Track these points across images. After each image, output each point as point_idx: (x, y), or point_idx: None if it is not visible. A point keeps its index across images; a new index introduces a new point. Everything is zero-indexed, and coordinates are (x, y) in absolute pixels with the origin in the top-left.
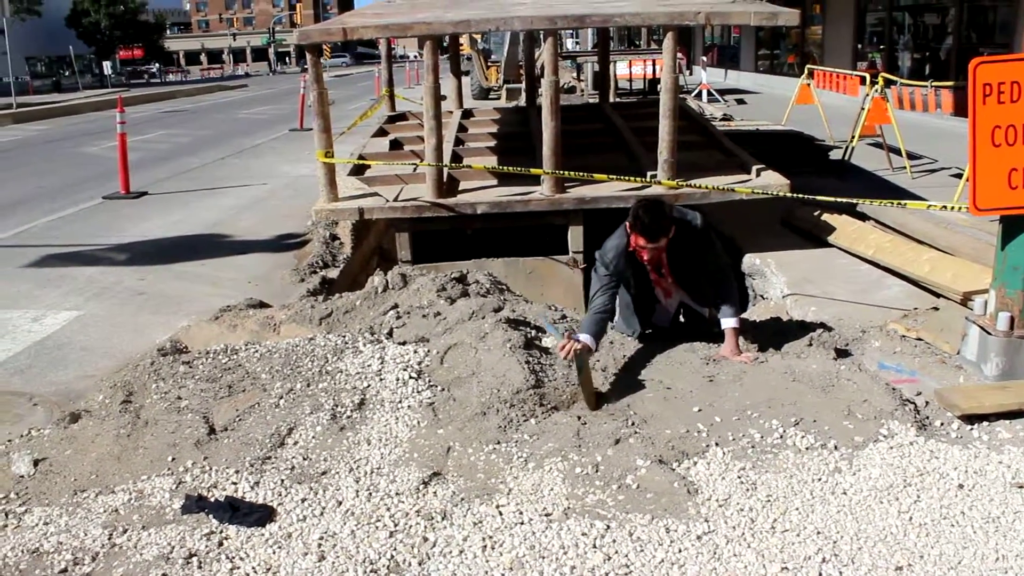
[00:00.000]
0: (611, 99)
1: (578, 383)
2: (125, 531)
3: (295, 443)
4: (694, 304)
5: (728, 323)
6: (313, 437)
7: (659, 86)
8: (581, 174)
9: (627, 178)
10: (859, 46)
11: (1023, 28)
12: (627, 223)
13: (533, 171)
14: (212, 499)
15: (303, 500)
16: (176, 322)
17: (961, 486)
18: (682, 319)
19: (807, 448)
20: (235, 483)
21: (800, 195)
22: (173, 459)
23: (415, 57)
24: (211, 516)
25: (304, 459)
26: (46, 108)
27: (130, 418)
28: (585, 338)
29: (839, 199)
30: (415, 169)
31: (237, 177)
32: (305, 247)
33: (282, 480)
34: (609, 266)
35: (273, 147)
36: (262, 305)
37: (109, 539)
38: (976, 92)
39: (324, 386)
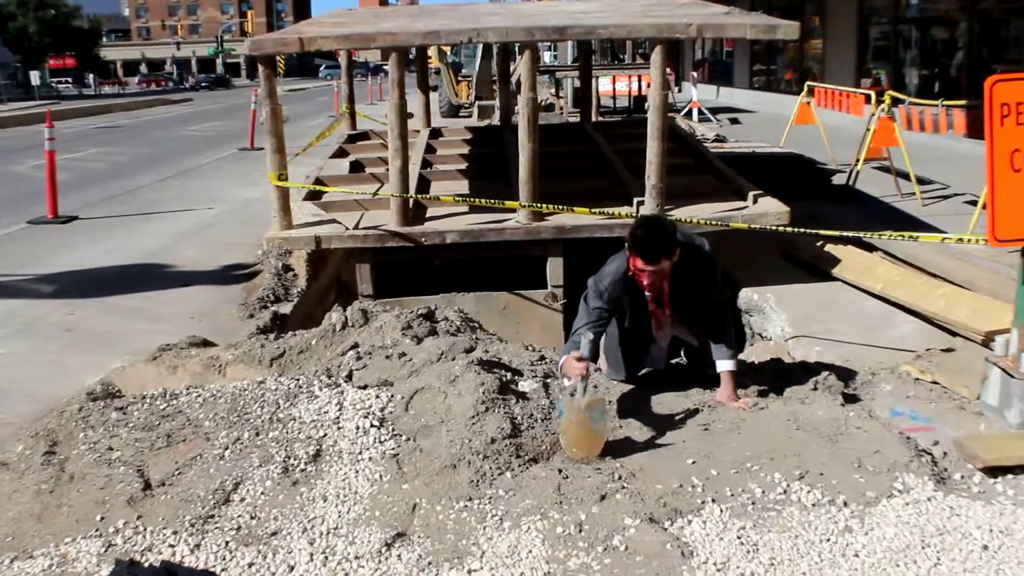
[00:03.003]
0: (593, 118)
1: (559, 430)
2: None
3: (242, 500)
4: (691, 340)
5: (724, 365)
6: (262, 493)
7: (646, 104)
8: (560, 208)
9: (608, 211)
10: (863, 62)
11: None
12: (626, 243)
13: (508, 204)
14: (146, 564)
15: (250, 565)
16: (108, 363)
17: (986, 547)
18: (683, 358)
19: (814, 504)
20: (173, 546)
21: (801, 229)
22: (102, 518)
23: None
24: None
25: (252, 518)
26: None
27: (53, 471)
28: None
29: (844, 232)
30: (375, 194)
31: (180, 201)
32: (255, 279)
33: (226, 542)
34: (603, 294)
35: (220, 168)
36: (206, 344)
37: None
38: (993, 113)
39: (275, 435)
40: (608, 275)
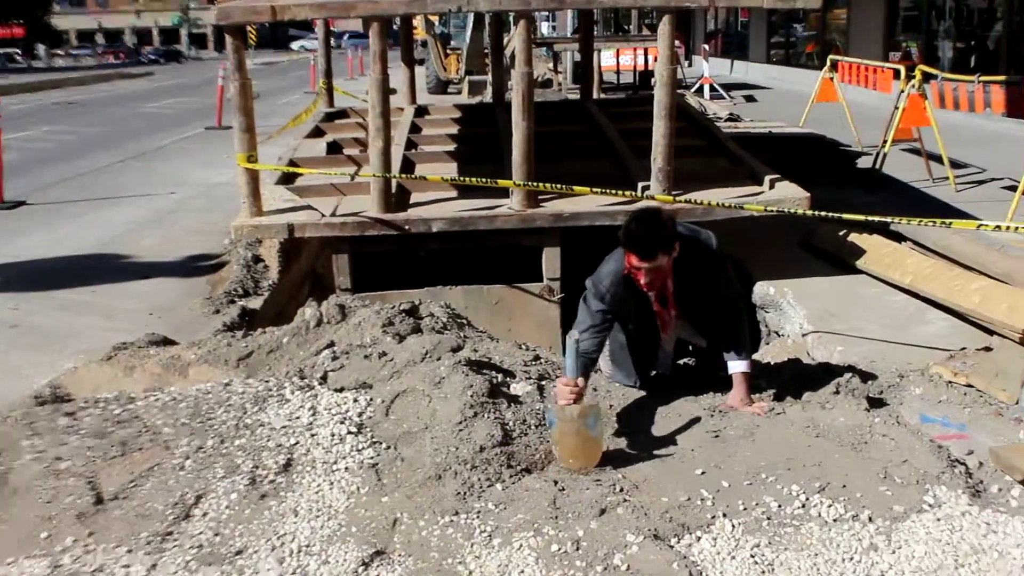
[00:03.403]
0: (595, 95)
1: (552, 441)
2: None
3: (204, 515)
4: (699, 341)
5: (737, 367)
6: (227, 507)
7: (652, 80)
8: (558, 187)
9: (612, 192)
10: (891, 33)
11: None
12: (620, 239)
13: (500, 183)
14: None
15: None
16: (58, 363)
17: None
18: (691, 359)
19: (835, 520)
20: (127, 566)
21: (822, 213)
22: (49, 536)
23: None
24: None
25: (215, 535)
26: None
27: None
28: (580, 381)
29: (869, 217)
30: (352, 178)
31: (139, 185)
32: (221, 271)
33: (187, 561)
34: (605, 296)
35: (184, 149)
36: (166, 342)
37: None
38: None
39: (242, 443)
40: (608, 275)
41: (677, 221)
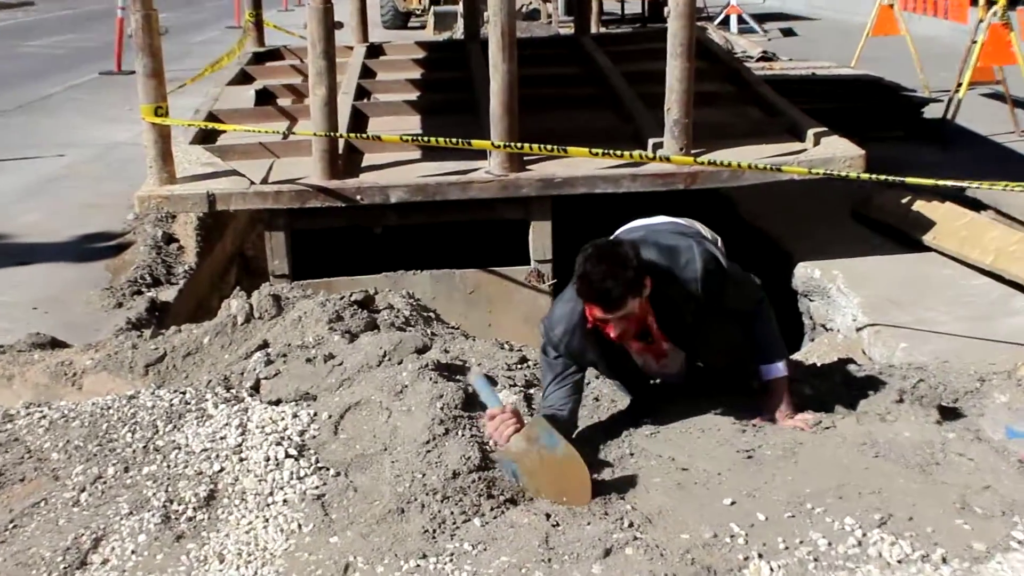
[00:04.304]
0: (594, 29)
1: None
2: None
3: (104, 562)
4: (711, 363)
5: (774, 371)
6: (133, 552)
7: (665, 10)
8: (547, 148)
9: (616, 153)
10: None
11: None
12: (574, 287)
13: (475, 144)
14: None
15: None
16: None
17: None
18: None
19: (900, 561)
20: None
21: (880, 176)
22: None
23: None
24: None
25: None
26: None
27: None
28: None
29: (940, 182)
30: (285, 135)
31: (17, 146)
32: (124, 254)
33: None
34: (559, 346)
35: (75, 99)
36: (55, 344)
37: None
38: None
39: (152, 471)
40: (560, 321)
41: (640, 247)
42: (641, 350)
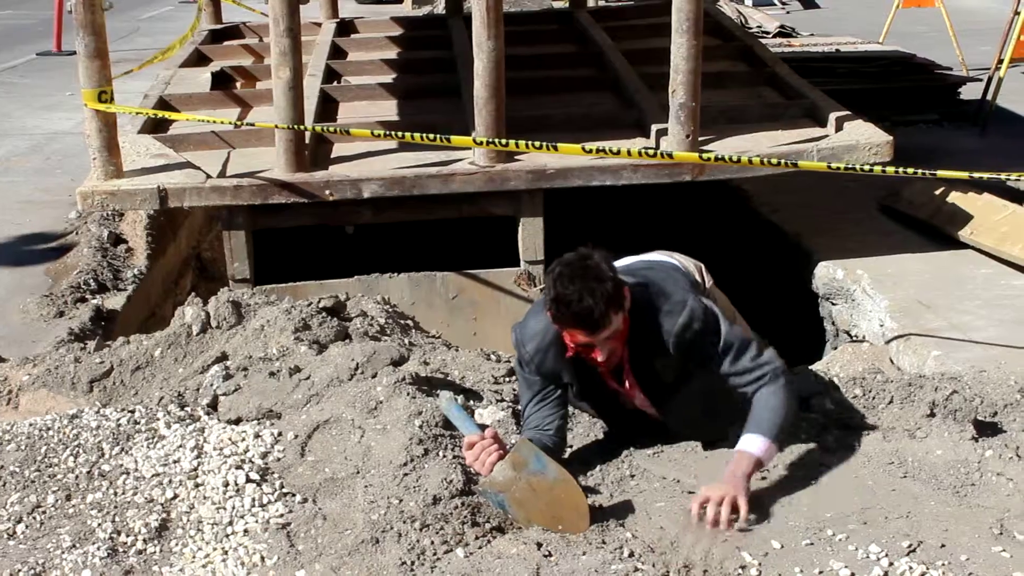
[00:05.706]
0: (591, 3)
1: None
2: None
3: None
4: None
5: (748, 443)
6: None
7: None
8: (534, 146)
9: (612, 151)
10: None
11: None
12: (547, 309)
13: (454, 140)
14: None
15: None
16: None
17: None
18: None
19: None
20: None
21: (910, 169)
22: None
23: None
24: None
25: None
26: None
27: None
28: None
29: (976, 174)
30: (239, 124)
31: None
32: (65, 257)
33: None
34: (530, 364)
35: (8, 83)
36: None
37: None
38: None
39: (97, 499)
40: (533, 338)
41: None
42: (618, 390)
